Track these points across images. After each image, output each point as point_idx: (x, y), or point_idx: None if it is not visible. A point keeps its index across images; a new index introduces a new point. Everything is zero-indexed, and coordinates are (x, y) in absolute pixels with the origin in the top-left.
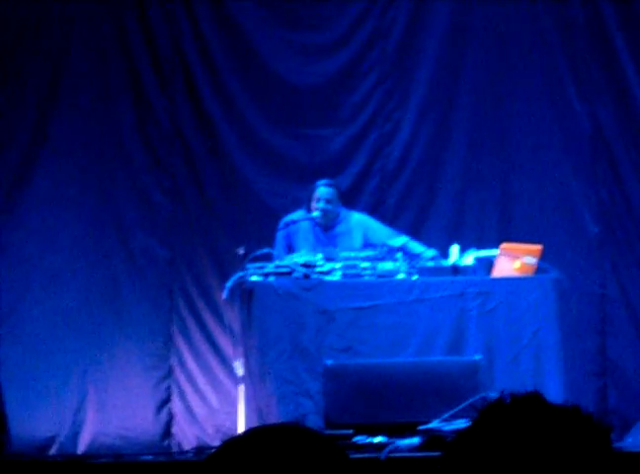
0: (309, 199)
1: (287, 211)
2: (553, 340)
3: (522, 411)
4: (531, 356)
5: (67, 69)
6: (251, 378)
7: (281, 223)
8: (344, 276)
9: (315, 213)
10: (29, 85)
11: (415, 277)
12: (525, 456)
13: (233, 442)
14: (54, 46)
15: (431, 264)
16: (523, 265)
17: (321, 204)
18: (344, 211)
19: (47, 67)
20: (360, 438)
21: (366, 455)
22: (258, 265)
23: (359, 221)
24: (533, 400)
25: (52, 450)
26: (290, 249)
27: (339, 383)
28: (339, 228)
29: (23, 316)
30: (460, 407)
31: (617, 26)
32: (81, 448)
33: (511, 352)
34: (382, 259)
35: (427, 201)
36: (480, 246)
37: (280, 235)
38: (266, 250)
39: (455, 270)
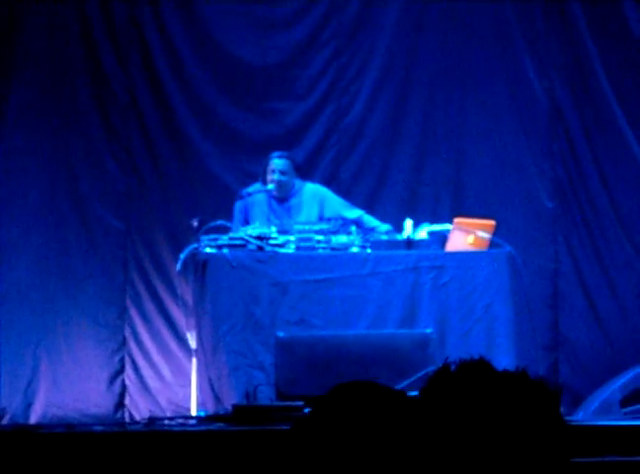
0: (264, 172)
1: (241, 185)
2: (505, 314)
3: (469, 378)
4: (484, 330)
5: (23, 40)
6: (204, 350)
7: (239, 195)
8: (298, 248)
9: (270, 186)
10: None
11: (369, 251)
12: (474, 421)
13: (325, 401)
14: (9, 16)
15: (385, 237)
16: (477, 239)
17: (275, 176)
18: (299, 183)
19: (2, 37)
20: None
21: None
22: (212, 236)
23: (314, 192)
24: (480, 367)
25: (4, 422)
26: (247, 221)
27: (290, 355)
28: (294, 200)
29: None
30: (412, 379)
31: (577, 1)
32: (33, 420)
33: (463, 325)
34: (336, 232)
35: (381, 176)
36: (434, 220)
37: (237, 207)
38: (219, 222)
39: (409, 244)
